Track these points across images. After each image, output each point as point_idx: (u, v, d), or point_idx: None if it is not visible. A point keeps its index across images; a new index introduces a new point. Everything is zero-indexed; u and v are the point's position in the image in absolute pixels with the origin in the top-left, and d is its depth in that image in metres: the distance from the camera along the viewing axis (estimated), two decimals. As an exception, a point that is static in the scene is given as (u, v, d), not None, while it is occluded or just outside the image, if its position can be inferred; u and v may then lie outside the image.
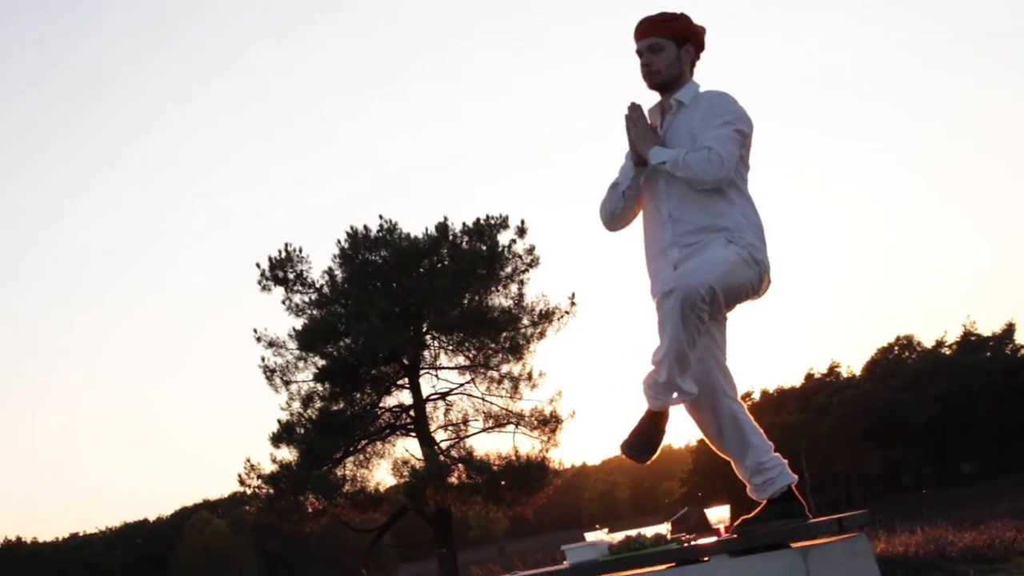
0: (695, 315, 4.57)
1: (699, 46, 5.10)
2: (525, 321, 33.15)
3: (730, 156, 4.77)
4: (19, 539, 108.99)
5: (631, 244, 5.22)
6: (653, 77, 5.04)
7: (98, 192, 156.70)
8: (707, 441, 5.10)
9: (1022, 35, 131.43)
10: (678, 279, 4.64)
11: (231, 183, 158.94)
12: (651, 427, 4.87)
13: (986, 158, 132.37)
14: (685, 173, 4.80)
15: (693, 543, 4.80)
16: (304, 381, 32.82)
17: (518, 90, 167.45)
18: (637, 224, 5.23)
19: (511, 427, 32.94)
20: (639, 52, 5.06)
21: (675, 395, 4.79)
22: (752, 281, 4.84)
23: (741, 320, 5.09)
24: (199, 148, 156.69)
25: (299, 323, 33.02)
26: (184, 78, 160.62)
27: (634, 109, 5.06)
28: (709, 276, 4.61)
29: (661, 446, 4.92)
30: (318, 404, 32.64)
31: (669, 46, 5.01)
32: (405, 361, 33.32)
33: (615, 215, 5.21)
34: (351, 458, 32.77)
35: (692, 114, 4.96)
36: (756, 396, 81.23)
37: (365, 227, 34.01)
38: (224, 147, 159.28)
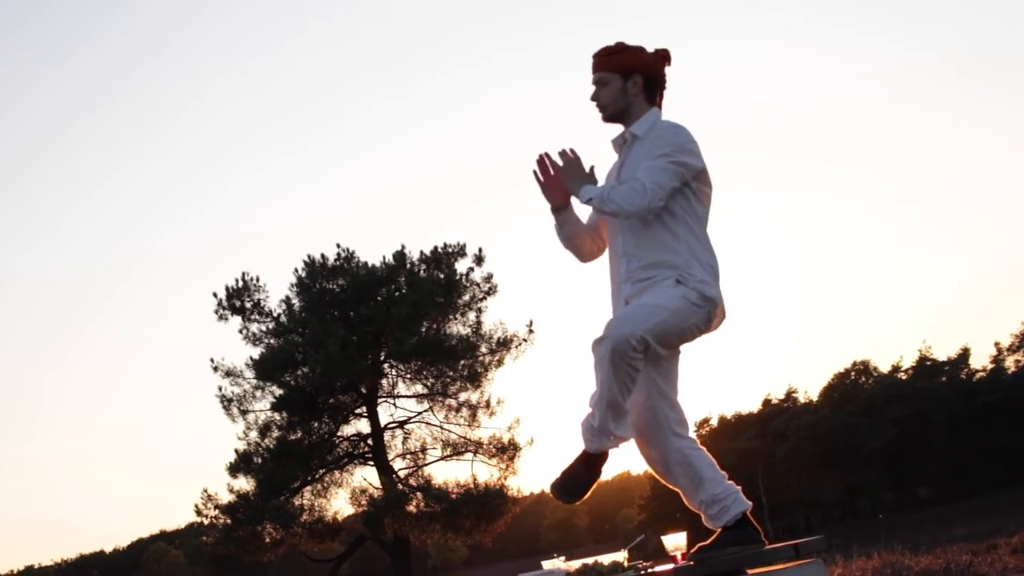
0: (626, 364, 4.55)
1: (650, 75, 5.04)
2: (483, 349, 33.24)
3: (656, 187, 4.71)
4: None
5: (588, 272, 5.23)
6: (601, 111, 5.08)
7: (49, 227, 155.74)
8: (656, 476, 5.08)
9: (984, 74, 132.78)
10: (610, 327, 4.62)
11: (188, 214, 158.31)
12: (584, 469, 4.84)
13: (944, 187, 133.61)
14: (611, 207, 4.79)
15: (650, 570, 4.78)
16: (262, 410, 32.86)
17: (476, 118, 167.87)
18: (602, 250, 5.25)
19: (469, 455, 32.97)
20: (592, 86, 5.08)
21: (611, 438, 4.75)
22: (699, 322, 4.77)
23: (698, 346, 4.99)
24: (156, 180, 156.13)
25: (256, 352, 33.09)
26: (144, 113, 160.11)
27: (564, 154, 5.02)
28: (642, 325, 4.57)
29: (592, 488, 4.89)
30: (276, 433, 32.57)
31: (613, 79, 5.01)
32: (363, 390, 33.34)
33: (574, 252, 5.25)
34: (309, 487, 32.65)
35: (644, 146, 4.93)
36: (714, 422, 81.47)
37: (323, 256, 34.13)
38: (181, 178, 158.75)
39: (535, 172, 5.11)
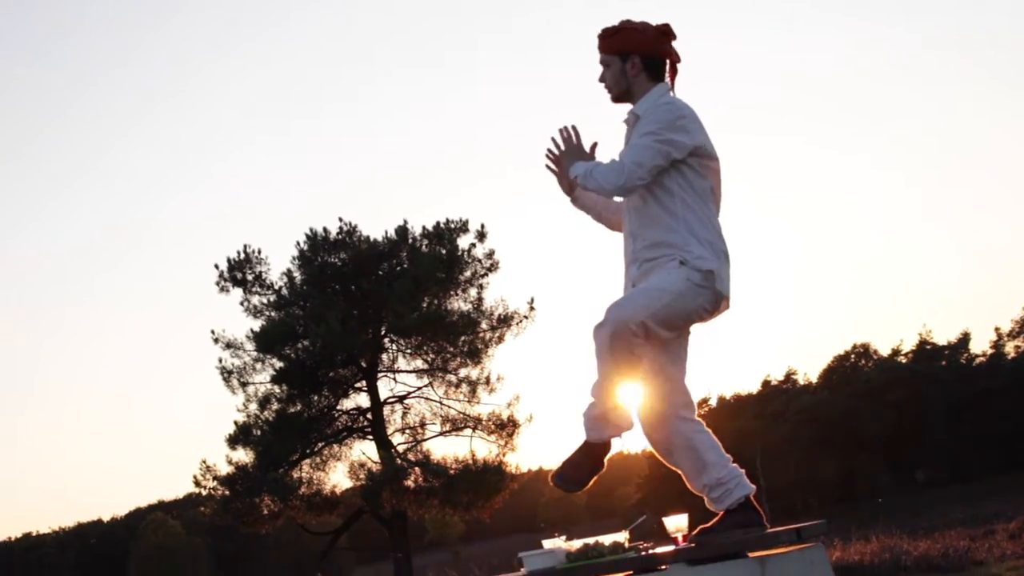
0: (626, 349, 4.56)
1: (650, 53, 4.99)
2: (484, 325, 33.32)
3: (635, 165, 4.71)
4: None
5: (590, 249, 5.25)
6: (608, 92, 5.07)
7: (52, 197, 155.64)
8: (659, 458, 5.07)
9: (979, 51, 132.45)
10: (610, 311, 4.62)
11: (190, 185, 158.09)
12: (585, 459, 4.85)
13: (945, 168, 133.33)
14: (592, 184, 4.84)
15: (651, 552, 4.76)
16: (261, 383, 32.97)
17: (479, 94, 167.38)
18: (599, 232, 5.31)
19: (468, 431, 33.08)
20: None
21: (613, 427, 4.77)
22: (703, 304, 4.75)
23: (699, 325, 4.95)
24: (158, 151, 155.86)
25: (257, 325, 33.12)
26: (146, 85, 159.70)
27: (567, 131, 5.07)
28: (643, 310, 4.58)
29: (594, 477, 4.91)
30: (275, 406, 32.65)
31: (613, 61, 5.00)
32: (363, 364, 33.41)
33: (608, 226, 5.32)
34: (308, 460, 32.74)
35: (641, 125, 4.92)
36: (713, 402, 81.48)
37: (324, 229, 34.12)
38: (183, 149, 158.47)
39: (548, 158, 5.13)
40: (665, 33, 5.02)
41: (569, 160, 5.01)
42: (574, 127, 5.07)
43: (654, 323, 4.58)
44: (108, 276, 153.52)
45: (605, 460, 4.90)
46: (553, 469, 4.88)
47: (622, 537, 4.88)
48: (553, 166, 5.18)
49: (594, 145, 5.03)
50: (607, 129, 5.22)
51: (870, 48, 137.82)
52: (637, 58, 4.97)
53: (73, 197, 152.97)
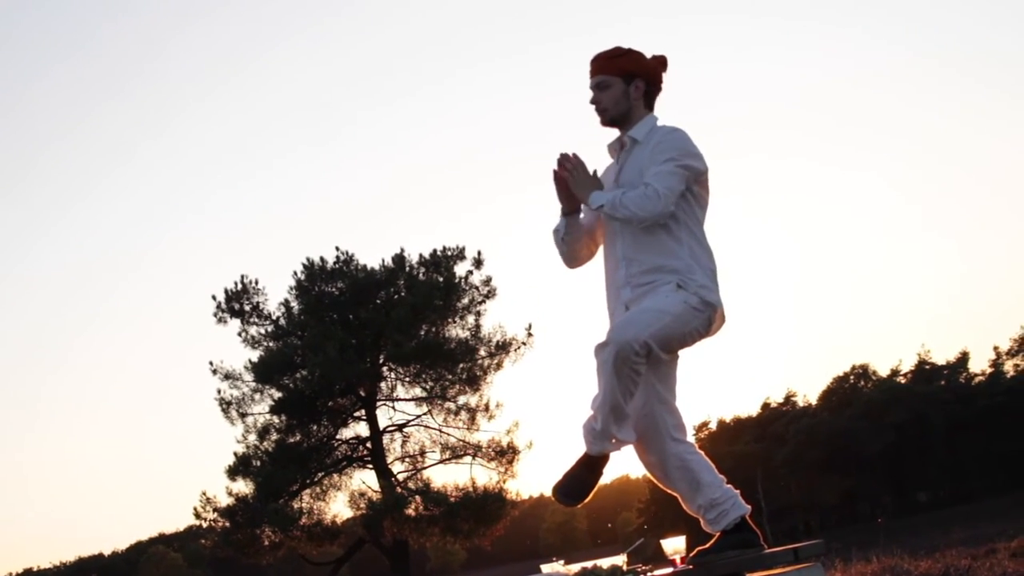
0: (629, 369, 4.56)
1: (651, 80, 5.05)
2: (482, 352, 33.21)
3: (668, 191, 4.71)
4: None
5: (587, 275, 5.22)
6: (602, 115, 5.05)
7: (45, 230, 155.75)
8: (654, 481, 5.07)
9: (983, 75, 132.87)
10: (613, 332, 4.63)
11: (187, 216, 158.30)
12: (585, 472, 4.86)
13: (944, 190, 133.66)
14: (624, 213, 4.77)
15: (649, 574, 4.77)
16: (260, 413, 32.81)
17: (475, 121, 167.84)
18: (597, 258, 5.23)
19: (468, 458, 32.93)
20: (591, 89, 5.04)
21: (613, 441, 4.77)
22: (700, 327, 4.78)
23: (697, 349, 4.97)
24: (155, 182, 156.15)
25: (255, 355, 32.98)
26: (142, 114, 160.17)
27: (569, 158, 5.00)
28: (646, 330, 4.59)
29: (594, 490, 4.91)
30: (274, 436, 32.56)
31: (616, 83, 4.99)
32: (362, 393, 33.24)
33: (565, 256, 5.21)
34: (308, 490, 32.60)
35: (644, 151, 4.92)
36: (713, 425, 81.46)
37: (321, 259, 34.06)
38: (179, 180, 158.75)
39: (556, 172, 5.06)
40: (661, 63, 5.07)
41: (584, 190, 4.94)
42: (575, 155, 5.02)
43: (655, 344, 4.59)
44: (105, 309, 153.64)
45: (603, 472, 4.89)
46: (554, 483, 4.87)
47: (621, 560, 4.88)
48: (558, 187, 5.07)
49: (594, 172, 5.01)
50: (598, 153, 5.23)
51: (868, 66, 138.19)
52: (641, 82, 5.00)
53: (68, 228, 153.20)
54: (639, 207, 4.72)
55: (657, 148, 4.85)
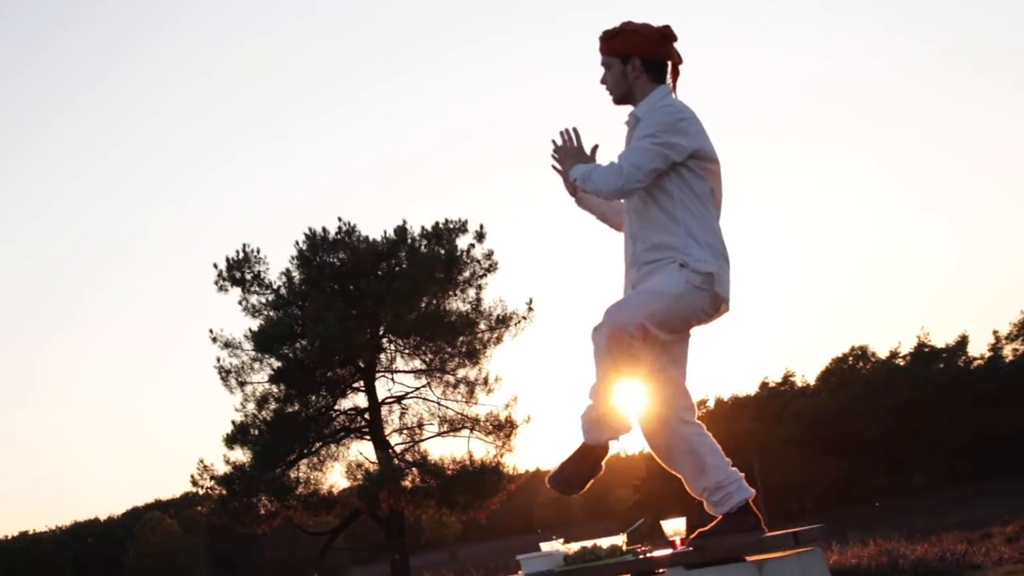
0: (625, 351, 4.53)
1: (651, 55, 4.96)
2: (482, 326, 33.33)
3: (633, 167, 4.67)
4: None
5: (589, 251, 5.24)
6: (609, 94, 5.04)
7: (46, 197, 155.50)
8: (658, 461, 5.04)
9: (983, 60, 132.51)
10: (608, 313, 4.61)
11: (188, 184, 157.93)
12: (583, 461, 4.82)
13: (942, 169, 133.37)
14: (590, 186, 4.82)
15: (648, 555, 4.74)
16: (259, 382, 32.93)
17: (478, 93, 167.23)
18: (599, 233, 5.36)
19: (466, 432, 33.06)
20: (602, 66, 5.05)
21: (611, 431, 4.74)
22: (703, 307, 4.74)
23: (697, 328, 4.94)
24: (157, 151, 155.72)
25: (256, 324, 33.05)
26: (144, 84, 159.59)
27: (567, 133, 5.06)
28: (641, 311, 4.57)
29: (591, 481, 4.89)
30: (273, 406, 32.62)
31: (614, 63, 4.98)
32: (361, 364, 33.38)
33: (613, 227, 5.29)
34: (305, 460, 32.69)
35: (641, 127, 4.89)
36: (711, 404, 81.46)
37: (323, 229, 34.06)
38: (182, 150, 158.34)
39: (553, 158, 5.10)
40: (666, 35, 4.98)
41: (569, 162, 4.98)
42: (575, 129, 5.05)
43: (652, 325, 4.56)
44: (105, 275, 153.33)
45: (603, 463, 4.87)
46: (550, 471, 4.86)
47: (620, 540, 4.88)
48: (558, 167, 5.13)
49: (595, 148, 5.01)
50: (611, 131, 5.21)
51: (862, 48, 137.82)
52: (637, 60, 4.93)
53: (68, 197, 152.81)
54: (602, 181, 4.75)
55: (641, 123, 4.84)
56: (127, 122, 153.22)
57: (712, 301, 4.74)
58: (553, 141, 5.09)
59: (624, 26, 4.98)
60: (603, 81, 5.03)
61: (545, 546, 5.03)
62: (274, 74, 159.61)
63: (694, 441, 4.85)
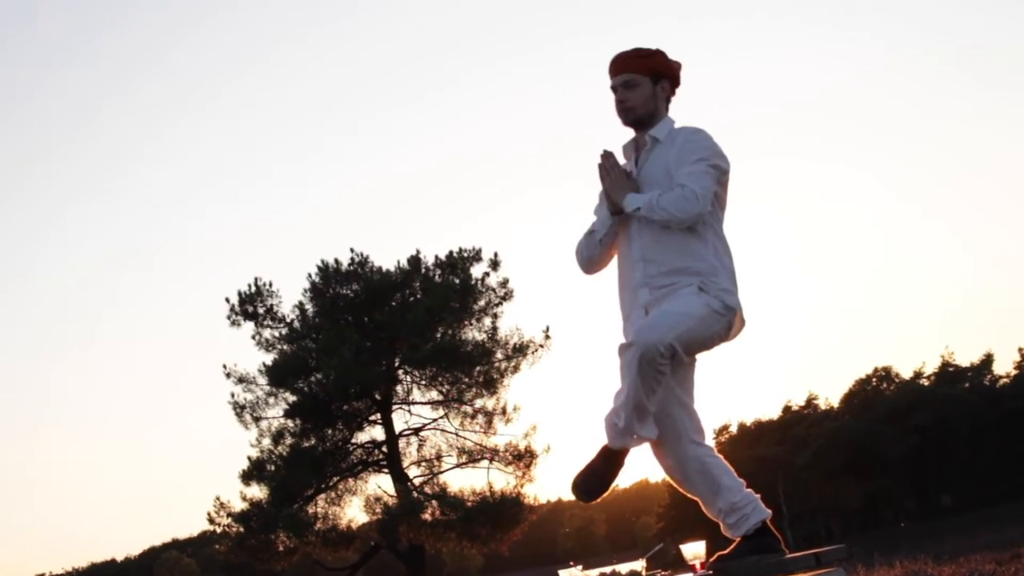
0: (654, 369, 4.57)
1: (675, 82, 5.11)
2: (499, 355, 33.02)
3: (704, 191, 4.74)
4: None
5: (606, 277, 5.25)
6: (627, 113, 5.05)
7: (58, 229, 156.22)
8: (673, 484, 5.08)
9: (1006, 78, 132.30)
10: (638, 333, 4.62)
11: (200, 217, 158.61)
12: (605, 465, 4.87)
13: (964, 189, 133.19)
14: (661, 215, 4.79)
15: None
16: (275, 417, 32.61)
17: (492, 122, 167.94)
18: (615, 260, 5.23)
19: (485, 462, 32.73)
20: (614, 88, 5.06)
21: (634, 437, 4.78)
22: (721, 331, 4.81)
23: (718, 352, 5.03)
24: (168, 183, 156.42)
25: (269, 358, 32.83)
26: (156, 116, 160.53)
27: (607, 157, 5.05)
28: (670, 332, 4.59)
29: (612, 485, 4.92)
30: (289, 441, 32.35)
31: (644, 82, 5.02)
32: (377, 396, 33.09)
33: (592, 261, 5.19)
34: (323, 495, 32.44)
35: (668, 151, 4.95)
36: (734, 429, 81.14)
37: (336, 260, 33.90)
38: (192, 181, 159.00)
39: (600, 168, 5.06)
40: (680, 68, 5.15)
41: (619, 192, 4.97)
42: (611, 153, 5.08)
43: (680, 346, 4.61)
44: (119, 310, 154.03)
45: (622, 467, 4.92)
46: (573, 477, 4.88)
47: (639, 565, 4.67)
48: (604, 184, 5.08)
49: (629, 173, 5.03)
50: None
51: (876, 66, 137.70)
52: (667, 83, 5.07)
53: (77, 229, 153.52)
54: (678, 208, 4.75)
55: (685, 148, 4.89)
56: (137, 153, 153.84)
57: (727, 326, 4.84)
58: (605, 153, 5.08)
59: (649, 49, 5.06)
60: (622, 99, 5.04)
61: (564, 572, 4.94)
62: (285, 106, 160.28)
63: (706, 462, 4.89)
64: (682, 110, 5.13)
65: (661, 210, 4.77)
